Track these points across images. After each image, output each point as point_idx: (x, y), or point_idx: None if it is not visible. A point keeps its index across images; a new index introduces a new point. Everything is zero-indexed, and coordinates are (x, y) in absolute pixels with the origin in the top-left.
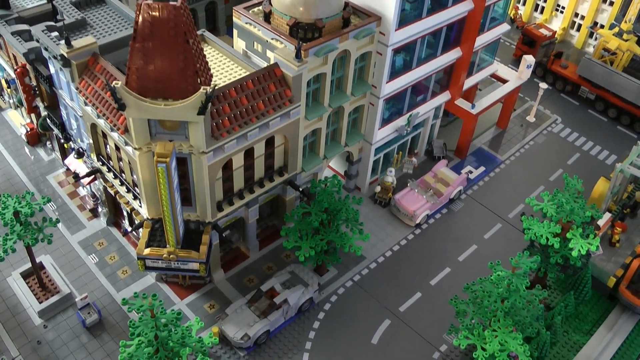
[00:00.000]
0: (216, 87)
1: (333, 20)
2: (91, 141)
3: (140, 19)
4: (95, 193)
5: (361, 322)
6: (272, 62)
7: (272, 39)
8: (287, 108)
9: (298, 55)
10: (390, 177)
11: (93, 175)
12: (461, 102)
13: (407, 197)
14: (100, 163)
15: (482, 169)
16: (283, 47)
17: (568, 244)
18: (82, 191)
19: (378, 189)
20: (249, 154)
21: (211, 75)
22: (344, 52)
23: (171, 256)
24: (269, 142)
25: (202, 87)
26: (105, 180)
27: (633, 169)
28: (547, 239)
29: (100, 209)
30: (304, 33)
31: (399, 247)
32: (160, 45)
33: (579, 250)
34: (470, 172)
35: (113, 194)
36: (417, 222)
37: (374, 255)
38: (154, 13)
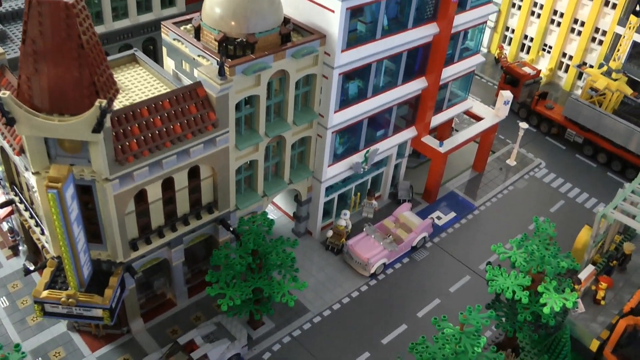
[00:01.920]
0: (127, 105)
1: (268, 36)
2: (2, 167)
3: (29, 16)
4: (15, 228)
5: None
6: None
7: (199, 55)
8: (210, 133)
9: (221, 73)
10: (344, 221)
11: (9, 208)
12: (428, 140)
13: (362, 243)
14: (14, 193)
15: (452, 214)
16: (209, 64)
17: (539, 299)
18: (5, 226)
19: (330, 233)
20: (168, 185)
21: (117, 91)
22: (282, 73)
23: (70, 300)
24: (194, 174)
25: (97, 101)
26: (20, 213)
27: (618, 214)
28: (514, 292)
29: (20, 247)
30: (233, 49)
31: (350, 300)
32: (52, 49)
33: (552, 307)
34: (439, 217)
35: (27, 229)
36: (372, 271)
37: (320, 308)
38: (43, 10)
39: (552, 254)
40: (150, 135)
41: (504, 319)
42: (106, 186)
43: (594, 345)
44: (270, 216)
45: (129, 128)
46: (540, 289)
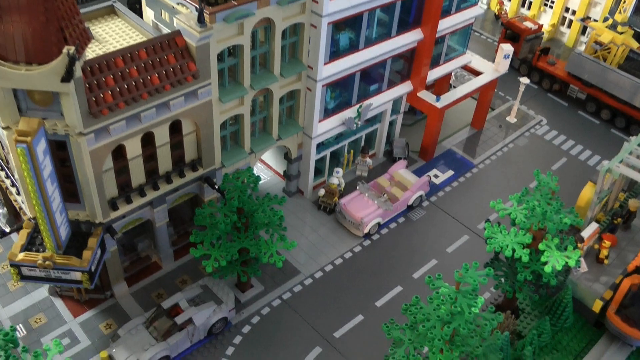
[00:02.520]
0: (100, 54)
1: None
2: None
3: None
4: None
5: (286, 350)
6: None
7: (178, 3)
8: (190, 85)
9: (201, 20)
10: (337, 179)
11: None
12: (425, 95)
13: (355, 202)
14: None
15: (450, 173)
16: (188, 12)
17: (540, 257)
18: None
19: (322, 192)
20: (148, 141)
21: (88, 39)
22: (267, 22)
23: (47, 263)
24: (175, 129)
25: (65, 48)
26: None
27: (624, 168)
28: (514, 250)
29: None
30: None
31: (342, 261)
32: None
33: (554, 266)
34: (436, 175)
35: (5, 190)
36: (366, 231)
37: (311, 270)
38: None
39: (555, 209)
40: (126, 86)
41: (502, 279)
42: (80, 141)
43: (597, 306)
44: (262, 175)
45: (103, 79)
46: (541, 247)
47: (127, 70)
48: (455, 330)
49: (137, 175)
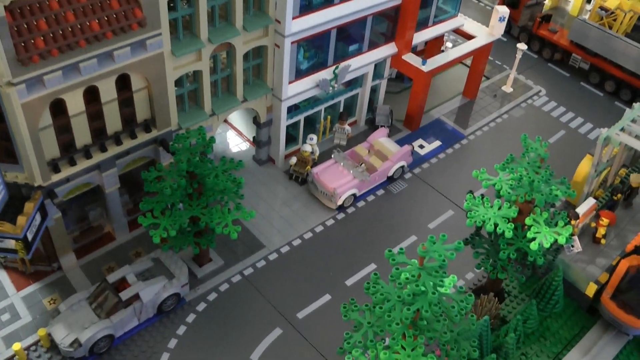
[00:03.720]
0: None
1: None
2: None
3: None
4: None
5: (243, 330)
6: None
7: None
8: (136, 34)
9: None
10: (310, 146)
11: None
12: (410, 58)
13: (328, 172)
14: None
15: (437, 143)
16: None
17: (526, 234)
18: None
19: (294, 161)
20: (93, 96)
21: None
22: None
23: None
24: (124, 84)
25: None
26: None
27: (624, 136)
28: (496, 225)
29: None
30: None
31: (312, 235)
32: None
33: (542, 243)
34: (421, 146)
35: None
36: (340, 203)
37: (277, 244)
38: None
39: (543, 179)
40: (60, 31)
41: (484, 257)
42: (10, 92)
43: (591, 290)
44: (231, 143)
45: (34, 22)
46: (528, 221)
47: (63, 14)
48: (419, 313)
49: (82, 134)
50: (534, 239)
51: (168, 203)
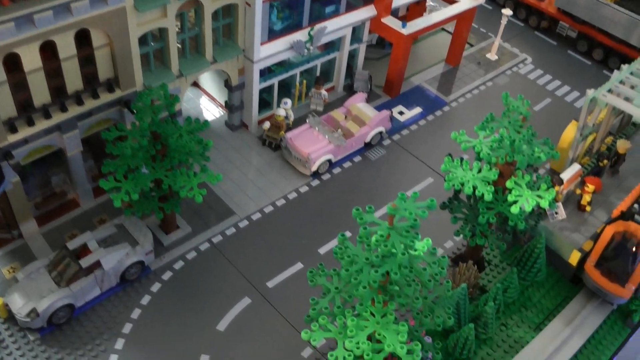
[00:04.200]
0: None
1: None
2: None
3: None
4: None
5: (210, 300)
6: None
7: None
8: None
9: None
10: (284, 111)
11: None
12: (390, 21)
13: (303, 137)
14: None
15: (417, 110)
16: None
17: (507, 197)
18: None
19: (267, 126)
20: (51, 52)
21: None
22: None
23: None
24: (84, 40)
25: None
26: None
27: (611, 97)
28: (475, 188)
29: None
30: None
31: (285, 202)
32: None
33: (523, 206)
34: (401, 112)
35: None
36: (314, 169)
37: (248, 211)
38: None
39: (525, 138)
40: None
41: (462, 223)
42: None
43: (574, 258)
44: (204, 109)
45: None
46: (509, 184)
47: None
48: (388, 277)
49: (40, 92)
50: (515, 202)
51: (131, 165)
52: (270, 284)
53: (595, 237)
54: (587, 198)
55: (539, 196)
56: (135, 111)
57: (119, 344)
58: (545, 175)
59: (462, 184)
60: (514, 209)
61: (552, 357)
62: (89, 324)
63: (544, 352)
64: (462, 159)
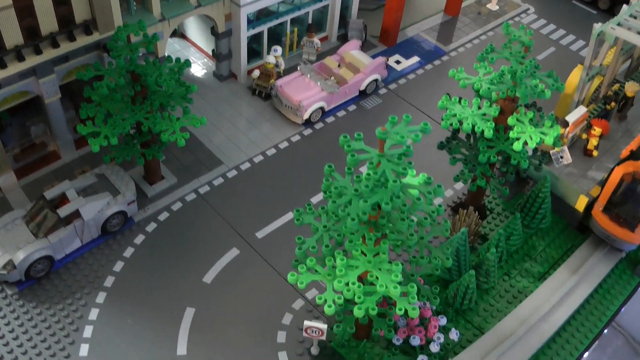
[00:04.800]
0: None
1: None
2: None
3: None
4: None
5: (197, 251)
6: None
7: None
8: None
9: None
10: (274, 58)
11: None
12: None
13: (294, 84)
14: None
15: (415, 59)
16: None
17: (509, 135)
18: None
19: (257, 74)
20: None
21: None
22: None
23: None
24: None
25: None
26: None
27: (621, 30)
28: (474, 125)
29: None
30: None
31: (276, 152)
32: None
33: (526, 143)
34: (398, 61)
35: None
36: (306, 117)
37: (237, 161)
38: None
39: (527, 69)
40: None
41: (463, 163)
42: None
43: (581, 204)
44: (192, 59)
45: None
46: (510, 121)
47: None
48: (380, 212)
49: (11, 33)
50: (517, 139)
51: (110, 110)
52: (260, 234)
53: (603, 183)
54: (593, 142)
55: (544, 133)
56: (111, 49)
57: (101, 297)
58: (549, 114)
59: (461, 122)
60: (517, 146)
61: (558, 307)
62: (70, 277)
63: (548, 302)
64: (460, 98)
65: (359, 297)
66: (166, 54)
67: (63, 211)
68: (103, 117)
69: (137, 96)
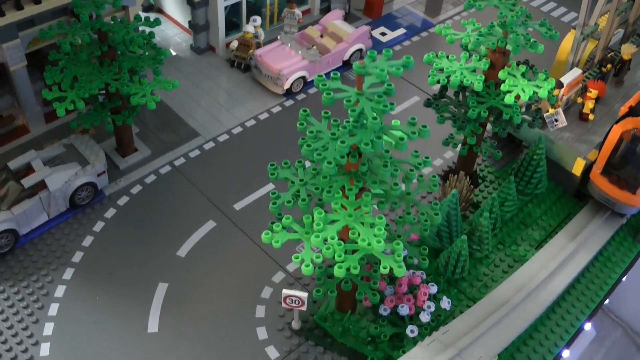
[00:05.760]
0: None
1: None
2: None
3: None
4: None
5: (171, 225)
6: None
7: None
8: None
9: None
10: (253, 28)
11: None
12: None
13: (273, 53)
14: None
15: (401, 31)
16: None
17: (500, 90)
18: None
19: (235, 44)
20: None
21: None
22: None
23: None
24: None
25: None
26: None
27: None
28: (463, 81)
29: None
30: None
31: (255, 123)
32: None
33: (518, 97)
34: (383, 33)
35: None
36: (287, 87)
37: (214, 132)
38: None
39: (518, 15)
40: None
41: (451, 120)
42: None
43: (578, 167)
44: (169, 34)
45: None
46: (501, 75)
47: None
48: (360, 160)
49: None
50: (509, 92)
51: (77, 74)
52: (238, 206)
53: (600, 147)
54: (589, 105)
55: (537, 86)
56: (75, 6)
57: (68, 273)
58: (542, 70)
59: (449, 76)
60: (508, 99)
61: (556, 274)
62: (35, 253)
63: (546, 269)
64: (447, 55)
65: (340, 256)
66: (137, 14)
67: (27, 181)
68: (70, 82)
69: (105, 57)
